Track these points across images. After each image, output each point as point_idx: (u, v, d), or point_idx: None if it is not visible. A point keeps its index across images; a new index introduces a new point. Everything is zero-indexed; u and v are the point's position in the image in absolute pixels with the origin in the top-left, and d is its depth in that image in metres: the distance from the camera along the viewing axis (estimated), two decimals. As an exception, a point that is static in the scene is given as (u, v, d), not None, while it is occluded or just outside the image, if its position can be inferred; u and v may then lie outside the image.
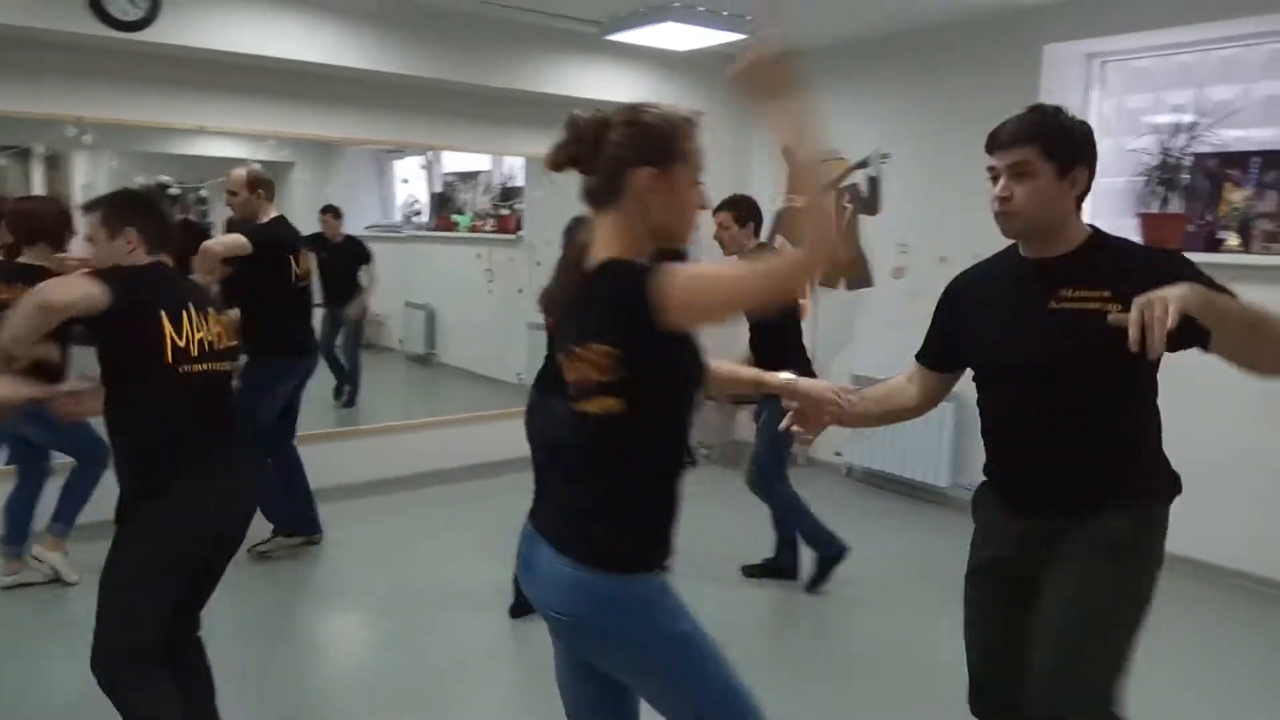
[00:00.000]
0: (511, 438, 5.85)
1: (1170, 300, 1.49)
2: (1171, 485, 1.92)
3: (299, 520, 4.27)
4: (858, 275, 5.64)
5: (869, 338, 5.56)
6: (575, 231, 3.58)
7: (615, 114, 1.63)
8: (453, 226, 7.01)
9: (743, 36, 4.85)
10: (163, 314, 2.25)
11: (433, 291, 7.15)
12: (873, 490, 5.42)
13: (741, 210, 3.84)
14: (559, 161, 1.65)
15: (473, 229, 6.92)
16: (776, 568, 4.07)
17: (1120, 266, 1.79)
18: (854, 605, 3.87)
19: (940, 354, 2.12)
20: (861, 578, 4.00)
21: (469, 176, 7.20)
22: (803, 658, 3.50)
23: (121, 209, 2.38)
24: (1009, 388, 1.92)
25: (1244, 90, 4.38)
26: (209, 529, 2.30)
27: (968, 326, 2.03)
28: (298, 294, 4.16)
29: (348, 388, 6.21)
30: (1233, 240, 4.12)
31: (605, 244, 1.62)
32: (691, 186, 1.65)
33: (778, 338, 3.74)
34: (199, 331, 2.31)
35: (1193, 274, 1.70)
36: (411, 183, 7.20)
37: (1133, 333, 1.48)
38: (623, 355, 1.53)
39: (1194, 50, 4.46)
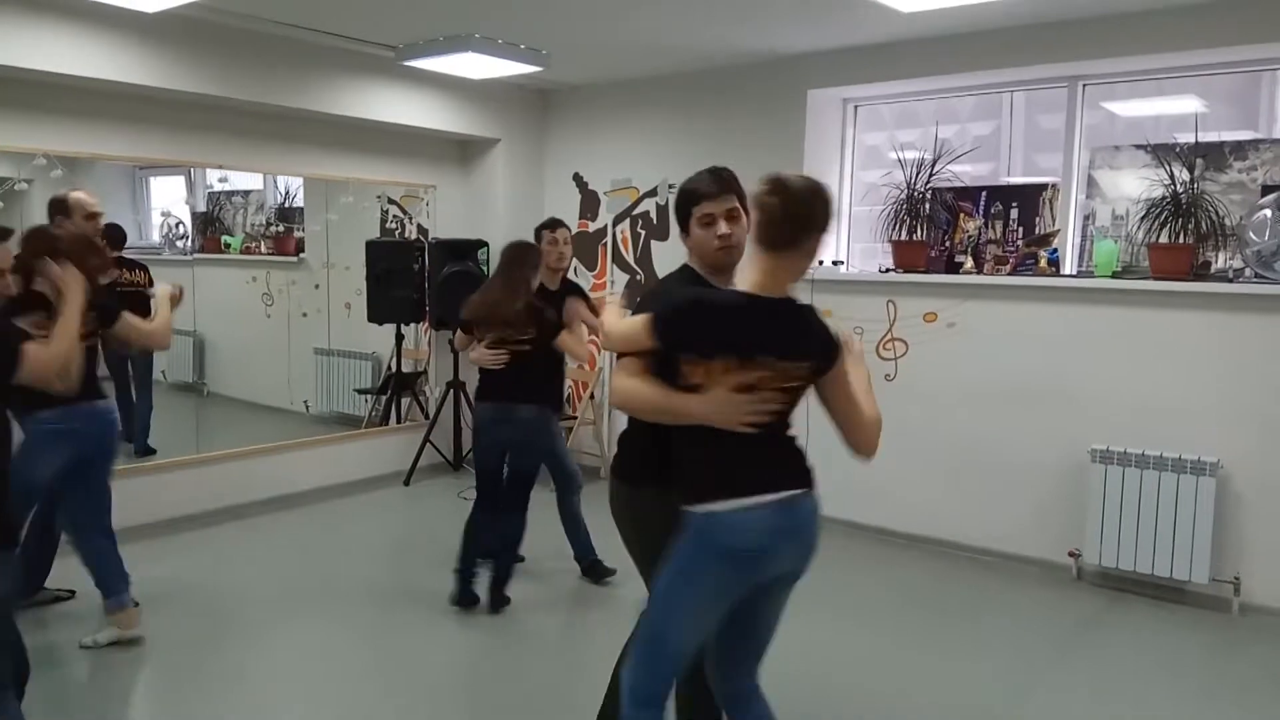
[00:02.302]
0: (307, 469, 5.79)
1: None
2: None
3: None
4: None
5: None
6: (520, 253, 4.00)
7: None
8: (222, 249, 6.63)
9: (538, 69, 5.06)
10: None
11: (200, 317, 6.72)
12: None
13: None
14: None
15: (245, 250, 6.59)
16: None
17: None
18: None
19: None
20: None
21: (239, 195, 6.85)
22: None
23: None
24: None
25: (960, 130, 5.20)
26: None
27: None
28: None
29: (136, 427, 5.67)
30: (968, 264, 4.84)
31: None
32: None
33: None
34: None
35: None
36: (175, 201, 6.71)
37: None
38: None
39: (922, 97, 5.22)
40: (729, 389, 1.99)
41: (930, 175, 4.97)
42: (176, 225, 6.76)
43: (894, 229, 5.02)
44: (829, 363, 2.08)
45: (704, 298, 2.11)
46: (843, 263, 5.37)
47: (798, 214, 2.01)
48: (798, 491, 2.07)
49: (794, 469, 2.11)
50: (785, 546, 2.06)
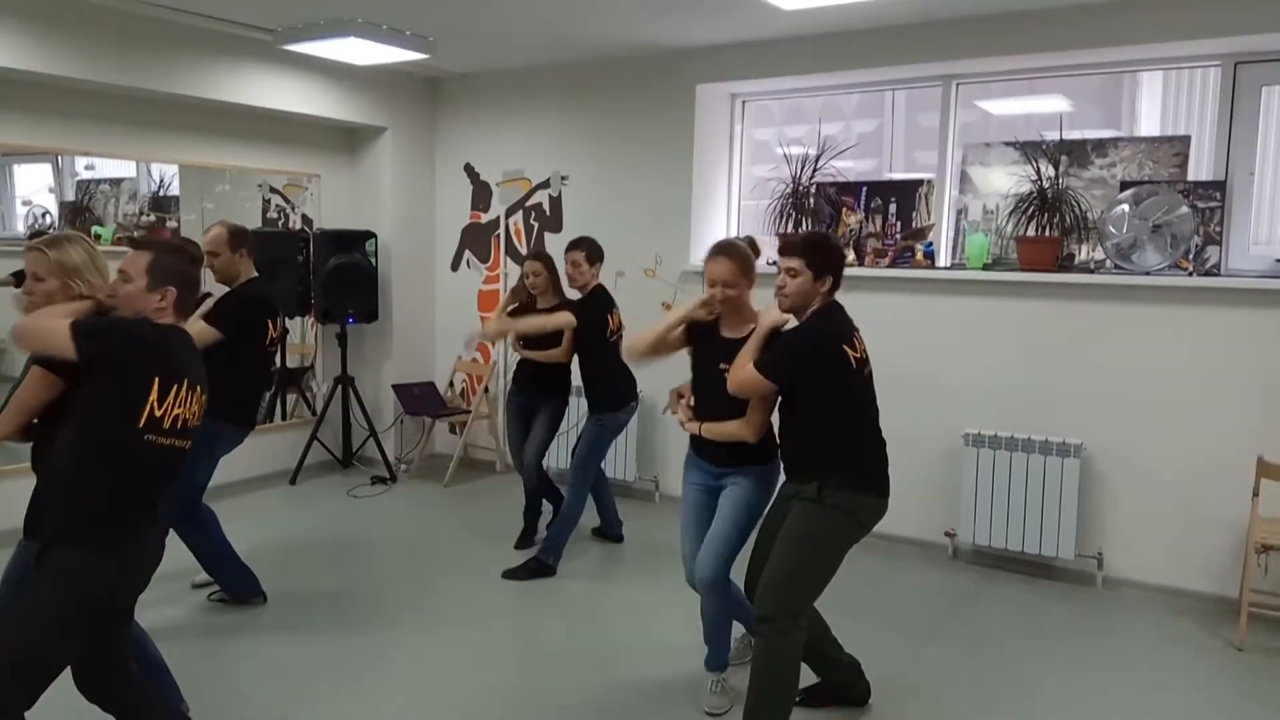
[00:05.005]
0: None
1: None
2: (861, 480, 2.86)
3: (230, 588, 3.95)
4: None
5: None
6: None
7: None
8: (92, 240, 6.30)
9: (424, 56, 4.96)
10: (155, 380, 2.21)
11: (69, 312, 6.37)
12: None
13: (591, 249, 4.43)
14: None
15: (118, 241, 6.28)
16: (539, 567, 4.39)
17: None
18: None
19: None
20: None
21: (108, 184, 6.52)
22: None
23: (172, 267, 2.34)
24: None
25: (845, 126, 5.34)
26: (125, 588, 2.31)
27: None
28: (269, 361, 3.86)
29: None
30: (850, 257, 4.98)
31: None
32: None
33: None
34: (180, 408, 2.24)
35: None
36: (39, 190, 6.35)
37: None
38: None
39: (807, 94, 5.34)
40: None
41: (814, 170, 5.08)
42: (43, 215, 6.40)
43: (780, 222, 5.12)
44: None
45: None
46: (732, 255, 5.44)
47: None
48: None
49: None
50: None
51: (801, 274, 2.85)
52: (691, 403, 3.18)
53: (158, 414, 2.21)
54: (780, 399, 2.96)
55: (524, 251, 6.07)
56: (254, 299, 3.79)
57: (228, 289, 3.82)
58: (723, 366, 2.97)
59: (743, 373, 2.86)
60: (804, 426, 2.91)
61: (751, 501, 3.09)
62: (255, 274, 3.85)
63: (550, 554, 4.38)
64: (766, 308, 2.99)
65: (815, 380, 2.83)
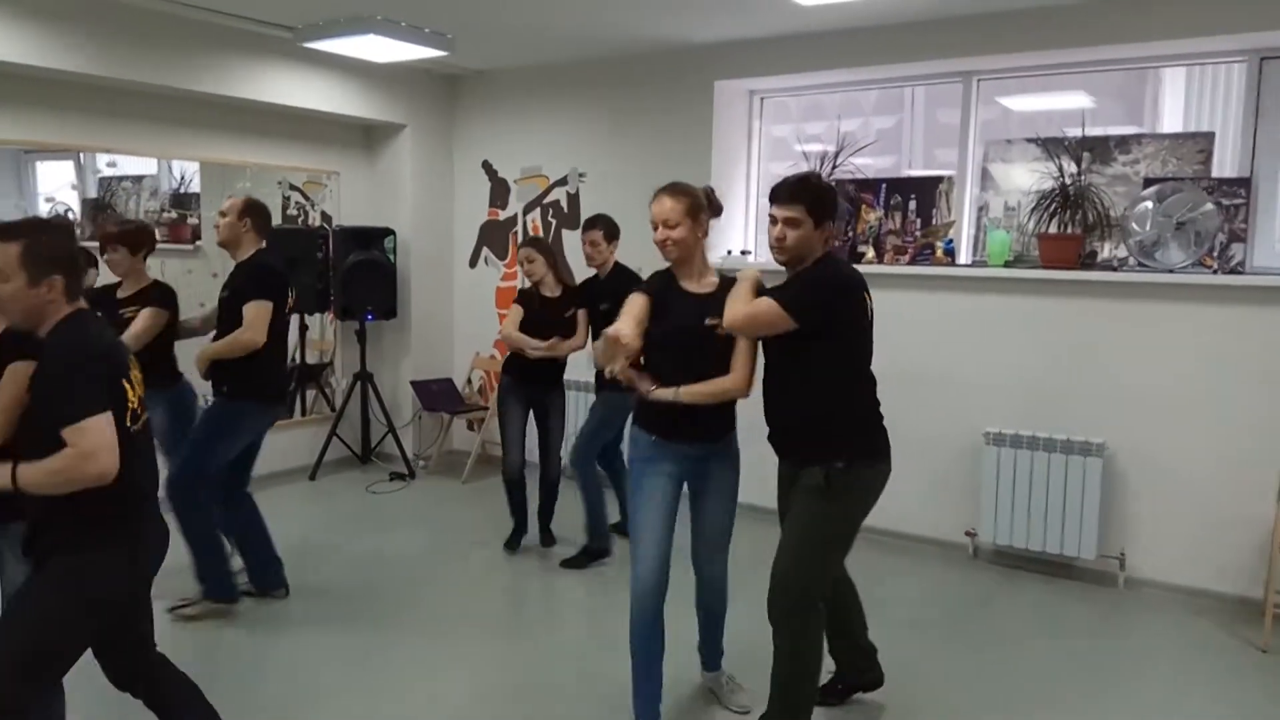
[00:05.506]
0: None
1: None
2: (866, 450, 2.74)
3: (256, 575, 3.96)
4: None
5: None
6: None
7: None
8: (113, 236, 6.34)
9: (443, 53, 4.97)
10: (124, 381, 2.13)
11: (91, 308, 6.41)
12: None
13: (609, 227, 4.46)
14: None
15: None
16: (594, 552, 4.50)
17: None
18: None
19: None
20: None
21: (130, 180, 6.56)
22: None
23: (49, 252, 2.10)
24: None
25: (864, 123, 5.32)
26: (134, 581, 2.25)
27: None
28: (284, 334, 3.84)
29: None
30: (870, 254, 4.95)
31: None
32: None
33: None
34: (139, 387, 2.20)
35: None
36: (62, 187, 6.40)
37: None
38: None
39: (825, 90, 5.31)
40: None
41: (833, 167, 5.06)
42: (65, 212, 6.45)
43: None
44: None
45: None
46: (750, 252, 5.44)
47: None
48: None
49: None
50: None
51: (804, 223, 2.63)
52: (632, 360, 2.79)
53: (134, 406, 2.18)
54: (768, 361, 2.74)
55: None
56: (263, 268, 3.75)
57: (235, 264, 3.79)
58: (710, 321, 2.69)
59: (755, 305, 2.58)
60: (805, 390, 2.68)
61: (738, 477, 2.96)
62: (263, 246, 3.81)
63: (597, 538, 4.49)
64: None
65: (831, 329, 2.61)
